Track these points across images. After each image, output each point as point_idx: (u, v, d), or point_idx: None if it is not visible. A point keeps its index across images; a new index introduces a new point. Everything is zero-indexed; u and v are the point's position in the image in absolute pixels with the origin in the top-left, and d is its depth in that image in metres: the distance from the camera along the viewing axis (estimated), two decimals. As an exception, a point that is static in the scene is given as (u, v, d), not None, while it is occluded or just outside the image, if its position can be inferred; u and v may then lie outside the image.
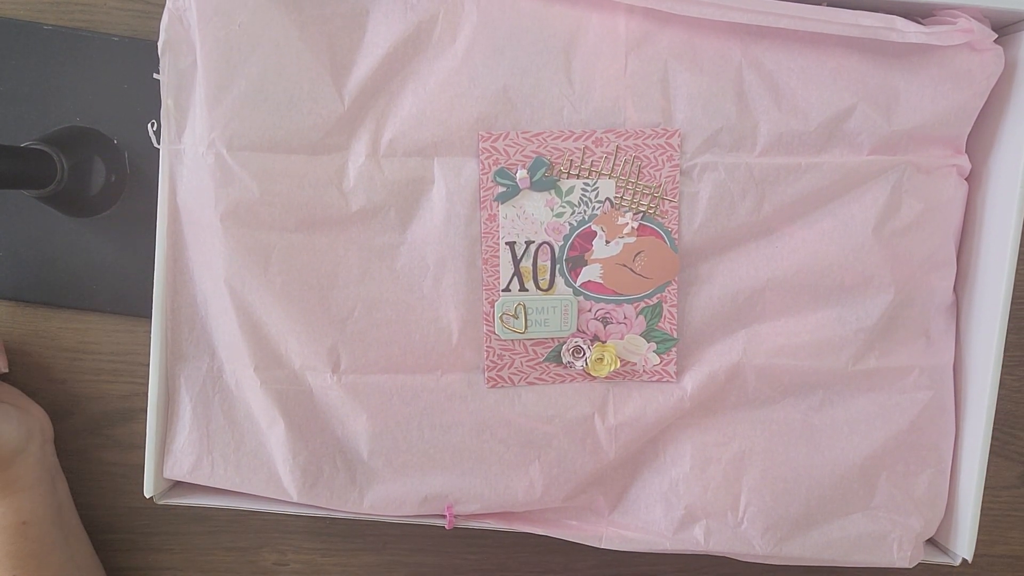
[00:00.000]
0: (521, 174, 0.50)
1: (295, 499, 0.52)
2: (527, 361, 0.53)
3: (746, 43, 0.50)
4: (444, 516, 0.53)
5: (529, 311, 0.52)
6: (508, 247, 0.51)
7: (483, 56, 0.49)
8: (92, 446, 0.63)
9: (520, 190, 0.50)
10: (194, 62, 0.48)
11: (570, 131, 0.50)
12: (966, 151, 0.52)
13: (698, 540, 0.53)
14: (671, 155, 0.50)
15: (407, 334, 0.52)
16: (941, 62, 0.50)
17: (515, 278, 0.51)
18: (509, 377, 0.53)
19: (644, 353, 0.53)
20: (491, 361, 0.52)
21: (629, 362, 0.53)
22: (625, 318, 0.52)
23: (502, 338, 0.52)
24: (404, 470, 0.52)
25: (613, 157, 0.50)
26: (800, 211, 0.51)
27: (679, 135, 0.49)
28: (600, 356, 0.52)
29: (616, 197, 0.51)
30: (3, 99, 0.57)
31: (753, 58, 0.50)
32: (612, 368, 0.52)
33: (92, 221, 0.59)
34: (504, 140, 0.49)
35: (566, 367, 0.53)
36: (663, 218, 0.51)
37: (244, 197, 0.49)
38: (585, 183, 0.50)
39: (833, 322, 0.52)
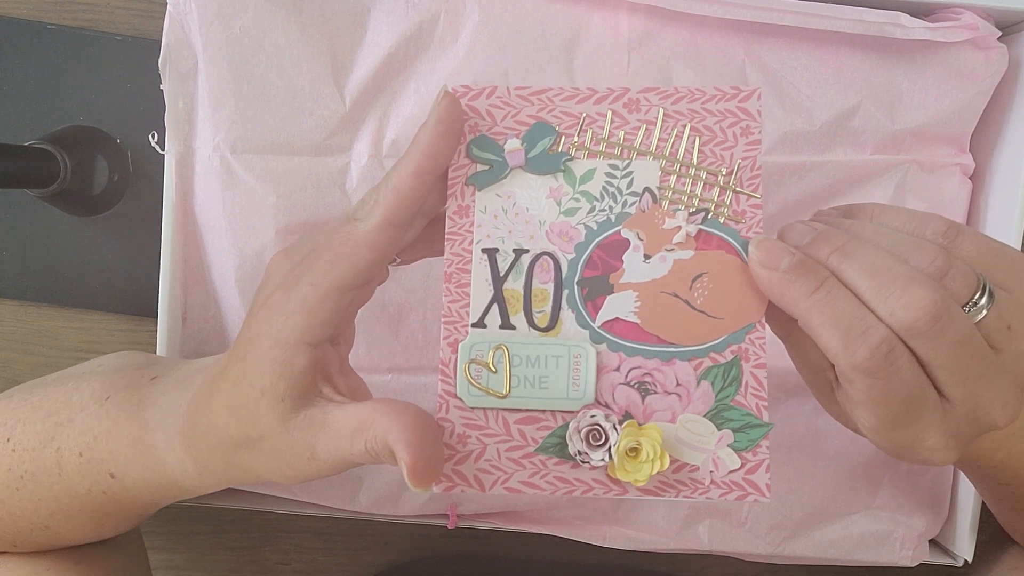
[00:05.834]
0: (512, 144, 0.34)
1: (297, 496, 0.52)
2: (508, 450, 0.33)
3: (749, 41, 0.50)
4: (447, 516, 0.53)
5: (516, 362, 0.33)
6: (485, 256, 0.34)
7: (485, 55, 0.49)
8: (96, 445, 0.63)
9: (509, 169, 0.34)
10: (196, 66, 0.48)
11: (589, 90, 0.34)
12: (970, 150, 0.52)
13: (702, 539, 0.53)
14: (748, 126, 0.34)
15: (408, 334, 0.52)
16: (945, 60, 0.49)
17: (494, 306, 0.33)
18: (475, 477, 0.33)
19: (712, 449, 0.33)
20: (446, 445, 0.33)
21: (686, 464, 0.33)
22: (678, 384, 0.33)
23: (467, 405, 0.33)
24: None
25: (656, 127, 0.34)
26: (804, 210, 0.51)
27: (758, 96, 0.34)
28: (634, 444, 0.32)
29: (662, 187, 0.34)
30: (6, 98, 0.57)
31: (756, 57, 0.50)
32: (656, 469, 0.32)
33: (95, 220, 0.59)
34: (489, 98, 0.34)
35: (575, 462, 0.33)
36: (738, 222, 0.33)
37: (250, 199, 0.49)
38: (612, 164, 0.34)
39: (836, 321, 0.52)
